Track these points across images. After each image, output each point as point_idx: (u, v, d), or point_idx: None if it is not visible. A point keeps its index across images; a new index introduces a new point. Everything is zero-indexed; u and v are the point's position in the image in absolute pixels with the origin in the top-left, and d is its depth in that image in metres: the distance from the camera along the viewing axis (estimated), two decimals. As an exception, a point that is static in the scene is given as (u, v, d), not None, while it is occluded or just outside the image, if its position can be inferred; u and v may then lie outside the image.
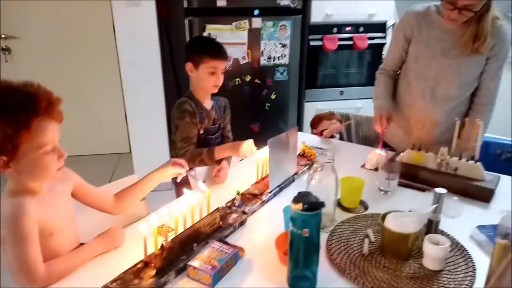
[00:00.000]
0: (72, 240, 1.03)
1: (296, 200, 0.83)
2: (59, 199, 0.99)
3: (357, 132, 2.15)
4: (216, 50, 1.51)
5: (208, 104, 1.58)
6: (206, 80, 1.50)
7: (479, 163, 1.31)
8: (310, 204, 0.81)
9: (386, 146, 1.65)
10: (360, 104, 2.89)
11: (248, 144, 1.38)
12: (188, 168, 1.19)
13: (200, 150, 1.46)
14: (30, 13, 3.07)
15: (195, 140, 1.50)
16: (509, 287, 0.87)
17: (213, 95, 1.60)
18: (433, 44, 1.52)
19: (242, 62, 2.63)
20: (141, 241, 0.93)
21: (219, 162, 1.45)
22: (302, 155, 1.59)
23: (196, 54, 1.50)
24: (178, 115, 1.49)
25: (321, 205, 0.82)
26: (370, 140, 2.05)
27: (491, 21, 1.41)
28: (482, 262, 0.97)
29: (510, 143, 1.68)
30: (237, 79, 2.67)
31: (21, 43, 3.14)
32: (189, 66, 1.52)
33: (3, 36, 3.10)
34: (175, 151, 1.53)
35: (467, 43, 1.44)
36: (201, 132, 1.53)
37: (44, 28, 3.14)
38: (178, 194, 1.54)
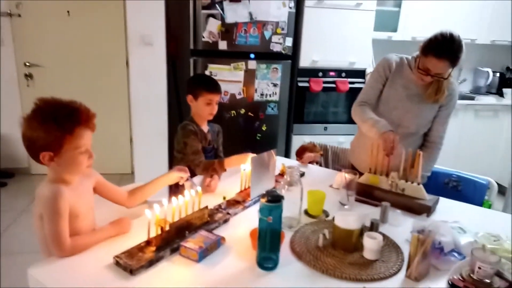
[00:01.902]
0: (91, 224, 1.30)
1: (263, 195, 1.13)
2: (85, 190, 1.28)
3: (334, 161, 2.47)
4: (212, 86, 1.87)
5: (205, 128, 1.91)
6: (203, 109, 1.84)
7: (421, 185, 1.62)
8: (273, 197, 1.11)
9: (354, 170, 1.95)
10: (342, 139, 3.22)
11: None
12: (189, 174, 1.49)
13: (212, 161, 1.79)
14: (52, 45, 3.49)
15: (202, 154, 1.81)
16: (424, 271, 1.16)
17: (209, 121, 1.93)
18: (401, 90, 1.86)
19: (238, 97, 2.99)
20: (143, 232, 1.20)
21: (211, 175, 1.75)
22: (281, 174, 1.89)
23: (196, 88, 1.85)
24: (184, 134, 1.82)
25: (281, 197, 1.12)
26: (344, 168, 2.36)
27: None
28: (408, 255, 1.25)
29: (455, 173, 2.00)
30: (233, 112, 3.02)
31: (42, 70, 3.53)
32: (189, 97, 1.87)
33: (27, 63, 3.49)
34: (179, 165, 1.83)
35: (431, 95, 1.80)
36: None
37: (64, 59, 3.54)
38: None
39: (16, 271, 2.22)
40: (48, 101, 1.15)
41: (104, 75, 3.62)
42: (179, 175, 1.49)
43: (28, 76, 3.51)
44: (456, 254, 1.23)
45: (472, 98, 3.82)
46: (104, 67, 3.60)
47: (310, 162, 2.19)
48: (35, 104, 1.14)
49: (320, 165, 2.35)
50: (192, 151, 1.80)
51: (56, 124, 1.12)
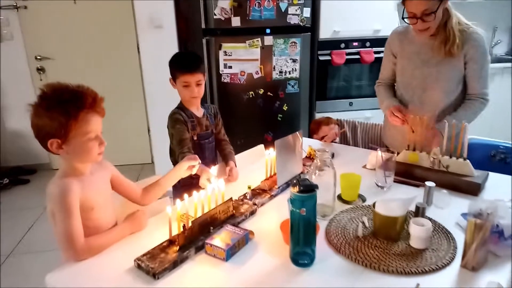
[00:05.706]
0: (109, 216, 1.22)
1: (294, 184, 1.00)
2: (99, 181, 1.19)
3: (363, 139, 2.30)
4: (185, 65, 1.61)
5: (198, 112, 1.71)
6: (182, 93, 1.65)
7: (467, 161, 1.44)
8: (305, 187, 0.97)
9: (388, 150, 1.79)
10: (369, 114, 3.04)
11: (204, 179, 1.41)
12: (200, 161, 1.36)
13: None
14: (61, 36, 3.39)
15: (190, 144, 1.62)
16: (483, 259, 1.01)
17: (204, 103, 1.75)
18: (414, 57, 1.71)
19: (255, 76, 2.83)
20: (164, 229, 1.11)
21: (226, 162, 1.64)
22: (309, 157, 1.75)
23: (173, 70, 1.65)
24: (170, 124, 1.65)
25: (314, 187, 0.98)
26: (375, 144, 2.20)
27: (463, 30, 1.59)
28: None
29: (503, 145, 1.80)
30: (251, 92, 2.87)
31: (54, 63, 3.45)
32: (171, 81, 1.68)
33: (38, 57, 3.42)
34: (174, 157, 1.69)
35: (439, 47, 1.63)
36: (195, 138, 1.68)
37: (74, 49, 3.44)
38: (175, 197, 1.53)
39: (39, 270, 2.19)
40: (53, 86, 1.09)
41: (116, 63, 3.52)
42: (189, 163, 1.35)
43: (40, 70, 3.44)
44: (518, 239, 1.07)
45: (509, 61, 3.52)
46: (116, 55, 3.49)
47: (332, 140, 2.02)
48: (41, 91, 1.08)
49: (343, 141, 2.19)
50: (177, 140, 1.61)
51: (60, 109, 1.05)
